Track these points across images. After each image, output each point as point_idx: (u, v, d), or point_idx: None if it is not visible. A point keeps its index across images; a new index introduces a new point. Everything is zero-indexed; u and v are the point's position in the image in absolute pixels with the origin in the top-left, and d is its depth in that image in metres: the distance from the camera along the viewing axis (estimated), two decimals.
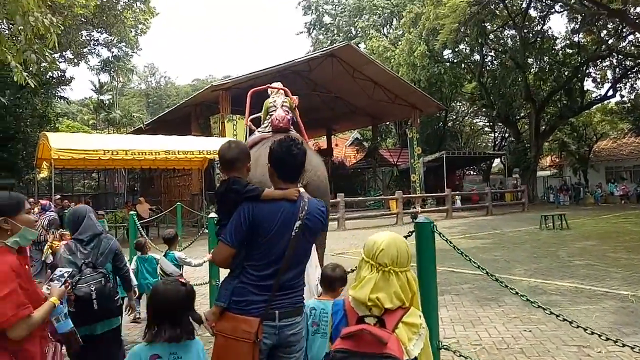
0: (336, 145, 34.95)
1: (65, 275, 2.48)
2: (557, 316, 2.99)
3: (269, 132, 5.76)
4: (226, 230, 2.15)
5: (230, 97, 17.81)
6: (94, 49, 23.67)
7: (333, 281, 3.06)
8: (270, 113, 6.02)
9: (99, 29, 22.29)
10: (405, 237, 3.55)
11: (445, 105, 28.47)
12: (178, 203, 13.43)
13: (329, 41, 35.40)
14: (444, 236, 2.95)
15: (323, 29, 39.48)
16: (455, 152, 27.16)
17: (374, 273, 1.65)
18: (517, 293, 3.15)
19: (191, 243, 6.35)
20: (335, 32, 37.17)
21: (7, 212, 2.12)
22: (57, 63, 18.16)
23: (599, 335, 2.92)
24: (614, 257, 8.12)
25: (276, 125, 5.94)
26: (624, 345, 2.82)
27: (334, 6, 39.84)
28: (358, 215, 17.94)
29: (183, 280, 4.51)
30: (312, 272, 3.35)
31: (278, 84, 6.29)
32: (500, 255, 8.97)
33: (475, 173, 36.18)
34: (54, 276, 2.47)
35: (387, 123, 33.04)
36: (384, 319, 1.58)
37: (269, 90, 6.82)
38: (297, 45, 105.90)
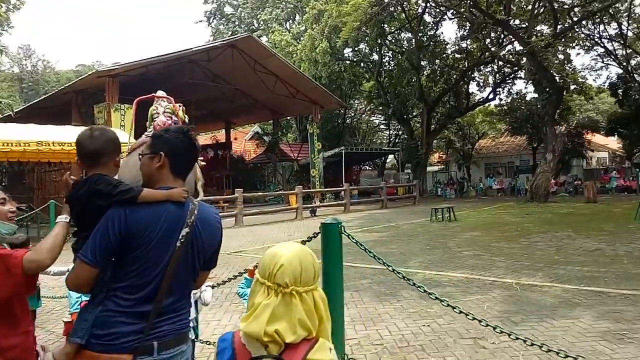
0: (235, 139, 34.08)
1: None
2: (454, 308, 2.94)
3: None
4: (87, 244, 1.63)
5: (119, 85, 16.35)
6: None
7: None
8: (154, 119, 7.03)
9: None
10: (310, 238, 3.30)
11: (345, 103, 29.10)
12: (51, 201, 11.90)
13: (230, 32, 34.32)
14: (353, 238, 2.72)
15: (224, 19, 38.20)
16: (353, 148, 27.88)
17: (271, 297, 1.26)
18: (419, 287, 3.07)
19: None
20: (237, 23, 36.18)
21: None
22: None
23: (494, 328, 2.90)
24: (497, 247, 8.69)
25: (157, 129, 6.98)
26: (517, 339, 2.83)
27: None
28: (257, 211, 17.51)
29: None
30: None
31: (162, 93, 6.98)
32: (396, 248, 9.17)
33: (371, 168, 37.56)
34: None
35: (288, 118, 32.96)
36: (284, 359, 1.23)
37: (155, 99, 7.39)
38: (196, 35, 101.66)
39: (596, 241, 8.76)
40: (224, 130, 30.53)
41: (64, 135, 12.71)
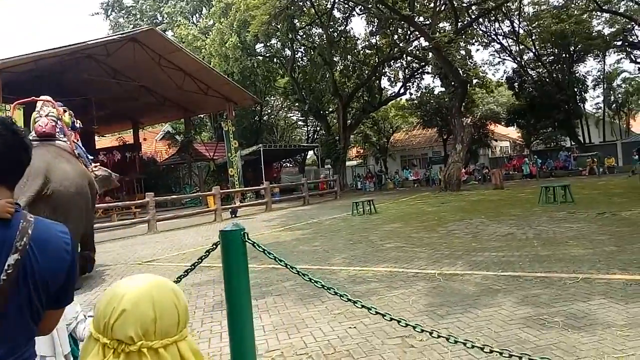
0: (145, 139, 32.16)
1: None
2: (369, 309, 2.65)
3: (35, 140, 6.37)
4: None
5: (2, 82, 14.52)
6: None
7: None
8: (36, 122, 6.77)
9: None
10: (208, 252, 2.85)
11: (260, 99, 28.52)
12: None
13: (132, 25, 32.19)
14: (259, 245, 2.32)
15: (123, 11, 35.76)
16: (272, 145, 27.43)
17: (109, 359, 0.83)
18: (336, 293, 2.74)
19: None
20: (139, 16, 34.04)
21: None
22: None
23: (414, 327, 2.67)
24: (418, 237, 8.75)
25: (39, 131, 6.74)
26: (439, 337, 2.62)
27: None
28: (172, 215, 16.49)
29: None
30: (63, 331, 2.26)
31: (46, 97, 6.94)
32: (320, 244, 8.92)
33: (291, 165, 37.36)
34: None
35: (202, 116, 31.70)
36: None
37: (38, 103, 7.00)
38: (93, 29, 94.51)
39: (507, 226, 9.13)
40: (131, 131, 28.63)
41: None
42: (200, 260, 2.75)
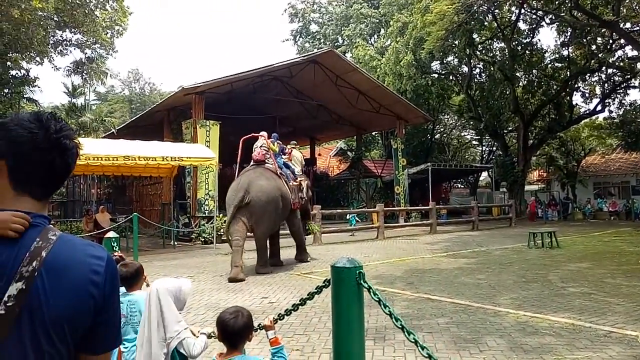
0: (319, 154, 34.03)
1: None
2: None
3: (251, 165, 9.68)
4: None
5: (204, 102, 16.82)
6: (65, 49, 22.53)
7: (233, 334, 2.06)
8: (253, 151, 9.82)
9: (72, 29, 21.25)
10: (318, 291, 2.40)
11: (432, 117, 27.77)
12: (134, 213, 12.27)
13: (316, 49, 34.65)
14: (375, 293, 1.97)
15: (309, 37, 38.78)
16: (441, 165, 26.38)
17: None
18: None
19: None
20: (322, 40, 36.46)
21: None
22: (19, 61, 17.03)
23: None
24: (613, 284, 7.18)
25: (254, 158, 9.76)
26: None
27: (321, 14, 39.22)
28: (336, 229, 16.89)
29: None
30: (156, 333, 2.28)
31: (263, 133, 10.00)
32: (485, 278, 7.99)
33: (462, 186, 35.47)
34: None
35: (374, 133, 32.23)
36: None
37: (260, 139, 10.03)
38: (282, 53, 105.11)
39: None
40: (308, 147, 30.62)
41: (152, 151, 13.20)
42: (304, 301, 2.50)
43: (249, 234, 9.04)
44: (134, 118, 22.66)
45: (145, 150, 12.86)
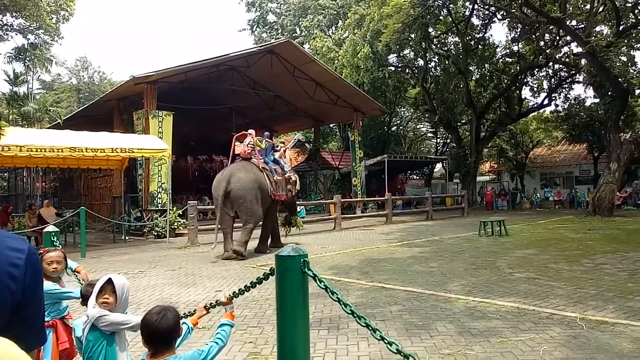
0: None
1: None
2: None
3: (238, 160, 10.67)
4: None
5: (157, 92, 16.27)
6: (6, 34, 21.20)
7: (163, 334, 1.96)
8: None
9: (13, 13, 19.99)
10: (261, 279, 2.37)
11: (389, 110, 28.14)
12: (82, 207, 11.76)
13: (273, 40, 34.27)
14: (321, 280, 1.94)
15: (267, 27, 38.30)
16: (397, 156, 26.83)
17: None
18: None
19: None
20: (280, 31, 36.11)
21: None
22: None
23: None
24: (556, 269, 7.52)
25: (241, 154, 10.66)
26: None
27: (278, 4, 38.80)
28: None
29: None
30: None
31: (251, 131, 10.79)
32: (438, 266, 8.19)
33: (417, 178, 36.23)
34: None
35: (331, 125, 32.32)
36: None
37: (248, 136, 10.80)
38: (239, 43, 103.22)
39: None
40: None
41: (100, 142, 12.64)
42: (247, 288, 2.52)
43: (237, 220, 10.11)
44: (82, 108, 21.64)
45: (93, 141, 12.30)
